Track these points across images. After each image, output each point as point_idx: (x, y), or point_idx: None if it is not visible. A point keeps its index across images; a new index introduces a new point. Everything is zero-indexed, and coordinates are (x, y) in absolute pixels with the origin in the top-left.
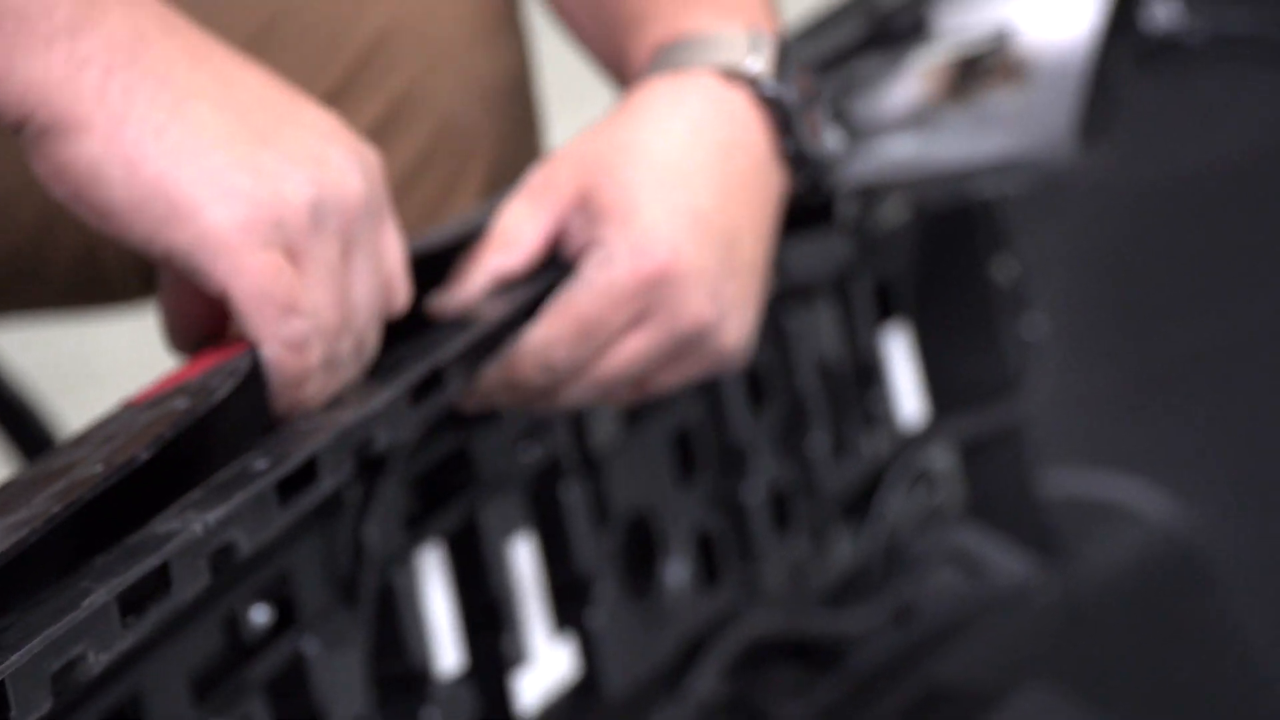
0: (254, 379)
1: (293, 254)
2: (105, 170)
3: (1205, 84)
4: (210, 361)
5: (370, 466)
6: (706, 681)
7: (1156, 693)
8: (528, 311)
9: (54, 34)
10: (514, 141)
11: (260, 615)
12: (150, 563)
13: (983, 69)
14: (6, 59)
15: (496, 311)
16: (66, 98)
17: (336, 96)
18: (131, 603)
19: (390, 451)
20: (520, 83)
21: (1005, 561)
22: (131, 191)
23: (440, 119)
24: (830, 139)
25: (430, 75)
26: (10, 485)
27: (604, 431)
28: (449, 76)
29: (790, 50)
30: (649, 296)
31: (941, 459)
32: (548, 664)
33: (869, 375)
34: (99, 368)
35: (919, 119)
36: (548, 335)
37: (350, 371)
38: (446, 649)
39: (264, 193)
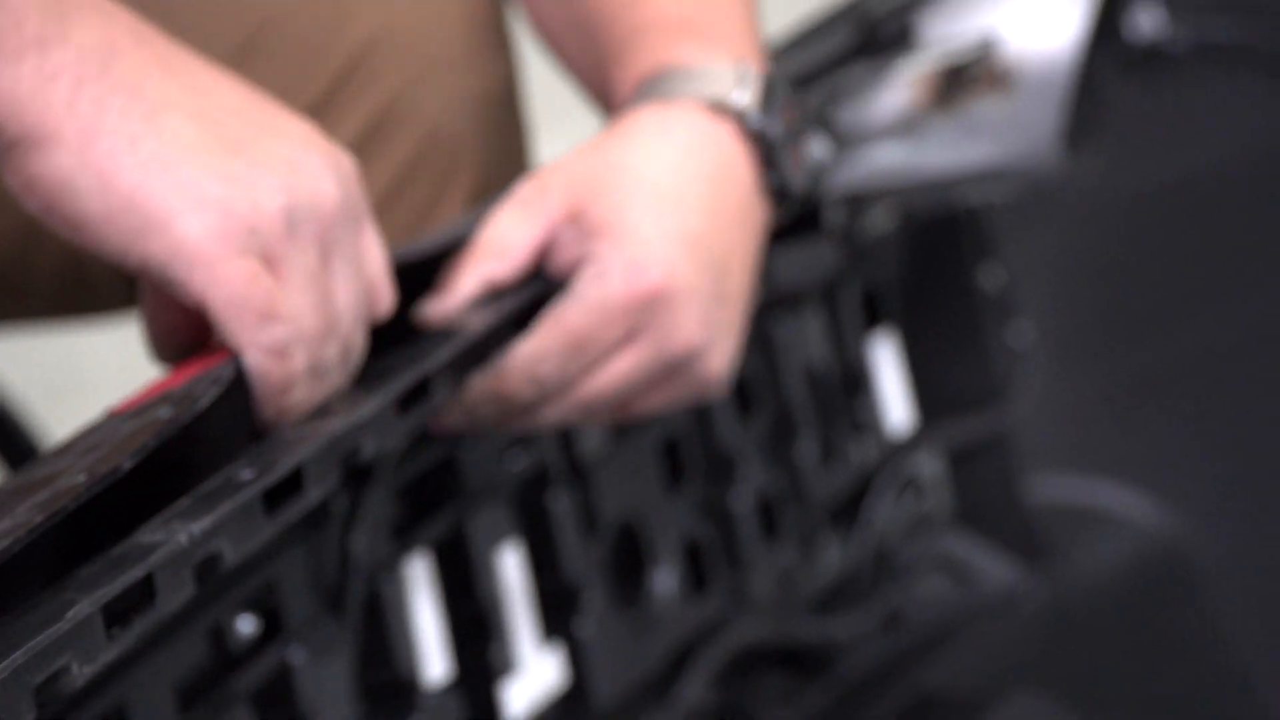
0: (238, 387)
1: (270, 261)
2: (77, 183)
3: (1189, 92)
4: (194, 370)
5: (357, 476)
6: (695, 690)
7: (1144, 698)
8: (516, 323)
9: (23, 47)
10: (501, 154)
11: (246, 625)
12: (134, 573)
13: (969, 77)
14: None
15: (484, 322)
16: (36, 110)
17: (322, 106)
18: (116, 614)
19: (377, 461)
20: (508, 95)
21: (993, 568)
22: (104, 204)
23: (427, 130)
24: (818, 149)
25: (417, 86)
26: None
27: (592, 440)
28: (436, 87)
29: (776, 85)
30: (641, 315)
31: (929, 466)
32: (536, 673)
33: (857, 383)
34: (88, 377)
35: (906, 127)
36: (537, 348)
37: (337, 378)
38: (434, 658)
39: (237, 201)
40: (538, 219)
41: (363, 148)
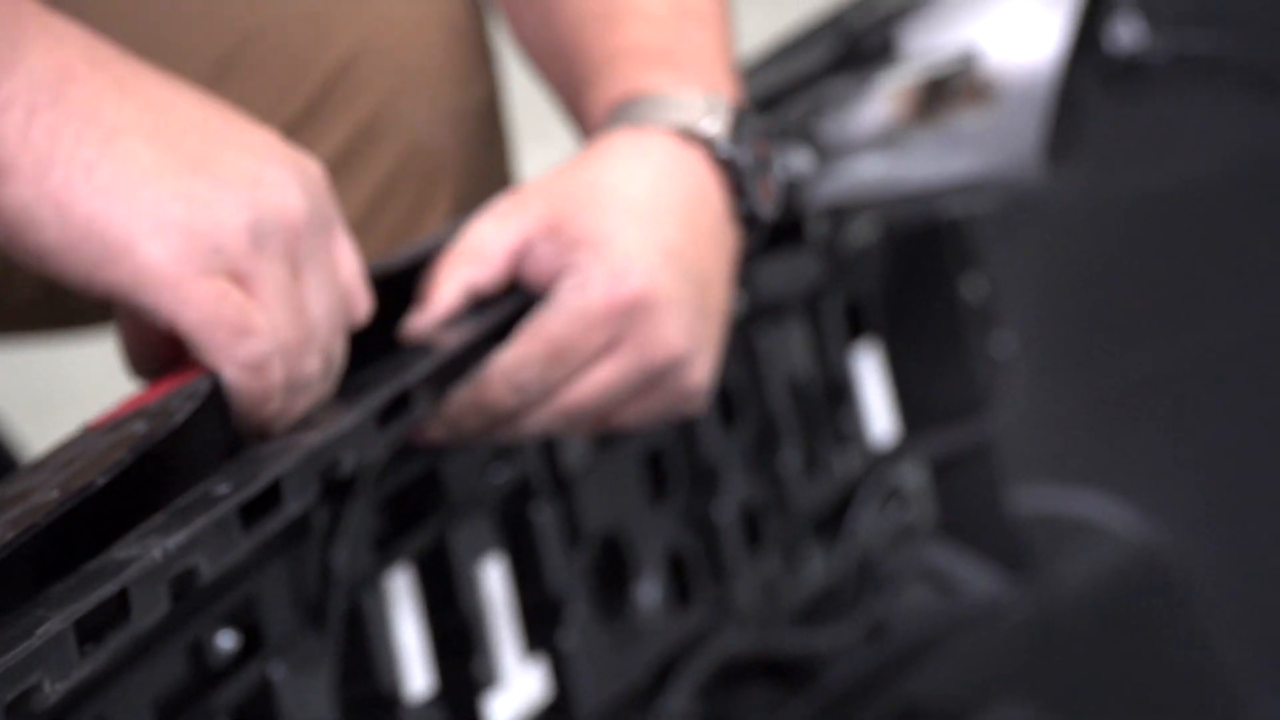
0: (214, 401)
1: (239, 278)
2: (35, 213)
3: (1169, 104)
4: (171, 385)
5: (337, 489)
6: (679, 701)
7: (1128, 708)
8: (496, 335)
9: None
10: (483, 168)
11: (226, 641)
12: (108, 589)
13: (950, 90)
14: None
15: (464, 335)
16: None
17: (304, 120)
18: (89, 630)
19: (357, 474)
20: (490, 109)
21: (976, 579)
22: (64, 234)
23: (408, 143)
24: (799, 160)
25: (398, 99)
26: None
27: (574, 452)
28: (417, 101)
29: (747, 116)
30: (622, 323)
31: (912, 477)
32: (519, 686)
33: (840, 394)
34: (71, 392)
35: (888, 139)
36: (519, 356)
37: (321, 388)
38: (416, 672)
39: (199, 221)
40: (514, 227)
41: (344, 162)
